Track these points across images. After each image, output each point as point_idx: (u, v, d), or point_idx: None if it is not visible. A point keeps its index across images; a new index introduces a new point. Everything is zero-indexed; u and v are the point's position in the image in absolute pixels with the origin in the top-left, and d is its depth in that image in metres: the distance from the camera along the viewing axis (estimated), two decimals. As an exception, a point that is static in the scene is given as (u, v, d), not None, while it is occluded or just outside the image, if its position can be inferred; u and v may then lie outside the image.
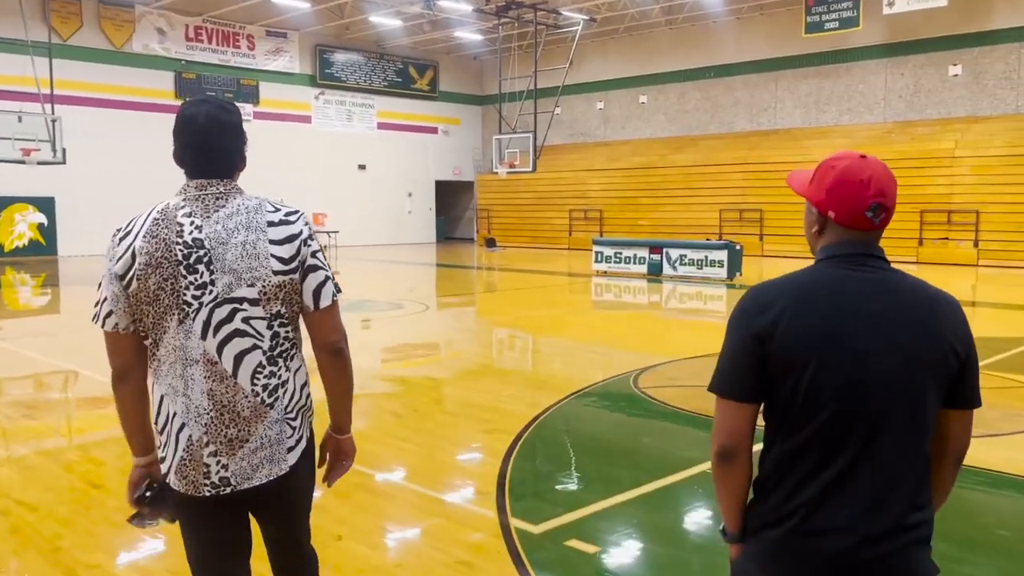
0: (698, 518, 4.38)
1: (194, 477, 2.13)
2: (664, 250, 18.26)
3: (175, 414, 2.14)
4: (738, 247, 17.77)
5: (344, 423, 2.34)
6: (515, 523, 4.18)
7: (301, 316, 2.21)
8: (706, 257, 17.51)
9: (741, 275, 17.59)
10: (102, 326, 2.15)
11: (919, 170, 21.07)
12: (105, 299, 2.14)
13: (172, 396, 2.13)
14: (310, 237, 2.18)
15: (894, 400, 1.66)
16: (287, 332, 2.17)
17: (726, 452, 1.75)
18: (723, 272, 17.21)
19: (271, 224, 2.13)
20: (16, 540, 3.98)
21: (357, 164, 30.29)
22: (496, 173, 26.10)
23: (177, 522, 2.26)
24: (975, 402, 1.75)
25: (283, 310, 2.14)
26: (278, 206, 2.19)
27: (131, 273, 2.08)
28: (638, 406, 6.83)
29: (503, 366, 8.73)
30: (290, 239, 2.14)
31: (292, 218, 2.18)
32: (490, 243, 29.78)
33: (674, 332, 11.28)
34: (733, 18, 26.39)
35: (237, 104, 26.56)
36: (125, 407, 2.20)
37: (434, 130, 32.75)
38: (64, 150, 20.53)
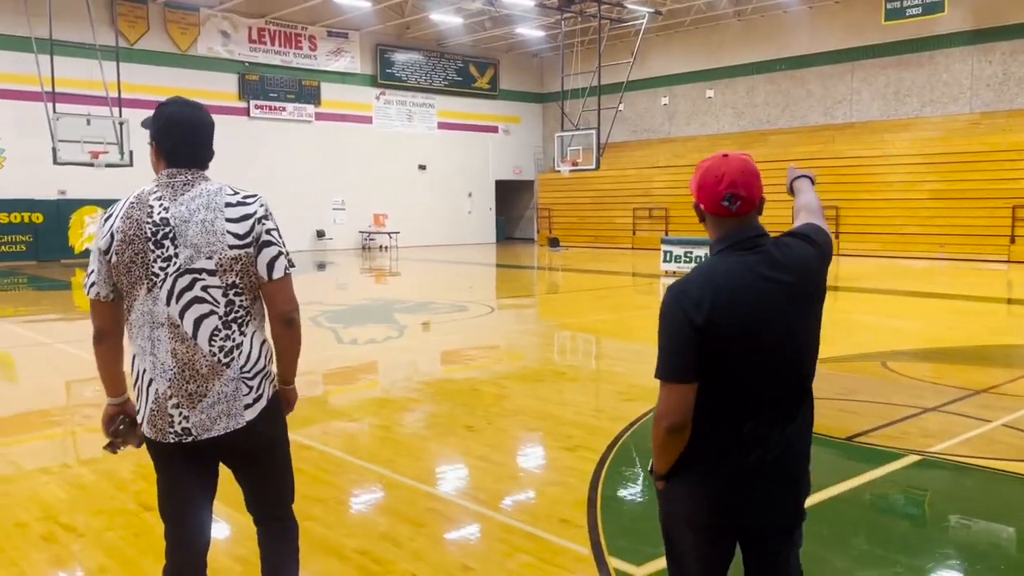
0: (826, 553, 3.76)
1: (161, 426, 2.45)
2: (737, 249, 17.45)
3: (144, 370, 2.46)
4: (817, 246, 16.86)
5: (290, 377, 2.64)
6: (614, 563, 3.63)
7: (260, 288, 2.49)
8: (783, 256, 16.66)
9: (820, 275, 16.70)
10: (87, 293, 2.49)
11: (1011, 163, 19.84)
12: (92, 270, 2.48)
13: (142, 355, 2.46)
14: (265, 217, 2.48)
15: (803, 342, 2.14)
16: (242, 301, 2.46)
17: (676, 427, 2.08)
18: (801, 272, 16.34)
19: (228, 205, 2.44)
20: (57, 575, 3.58)
21: (417, 164, 30.03)
22: (558, 171, 25.53)
23: (138, 447, 2.64)
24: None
25: (238, 280, 2.43)
26: (237, 190, 2.50)
27: (111, 249, 2.42)
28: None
29: (580, 374, 8.17)
30: (245, 218, 2.44)
31: (249, 200, 2.48)
32: (553, 243, 29.21)
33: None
34: (806, 7, 25.34)
35: (299, 105, 26.69)
36: (102, 361, 2.57)
37: (494, 129, 32.33)
38: (131, 152, 20.66)
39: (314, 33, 27.37)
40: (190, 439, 2.43)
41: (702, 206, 2.17)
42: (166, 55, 24.35)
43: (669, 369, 2.08)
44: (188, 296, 2.38)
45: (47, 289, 16.77)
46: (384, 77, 29.13)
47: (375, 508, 4.40)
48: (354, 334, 10.30)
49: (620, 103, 26.00)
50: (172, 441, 2.44)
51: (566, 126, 25.54)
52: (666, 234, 24.80)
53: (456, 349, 9.52)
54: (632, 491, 4.72)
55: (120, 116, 20.68)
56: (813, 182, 2.72)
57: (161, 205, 2.42)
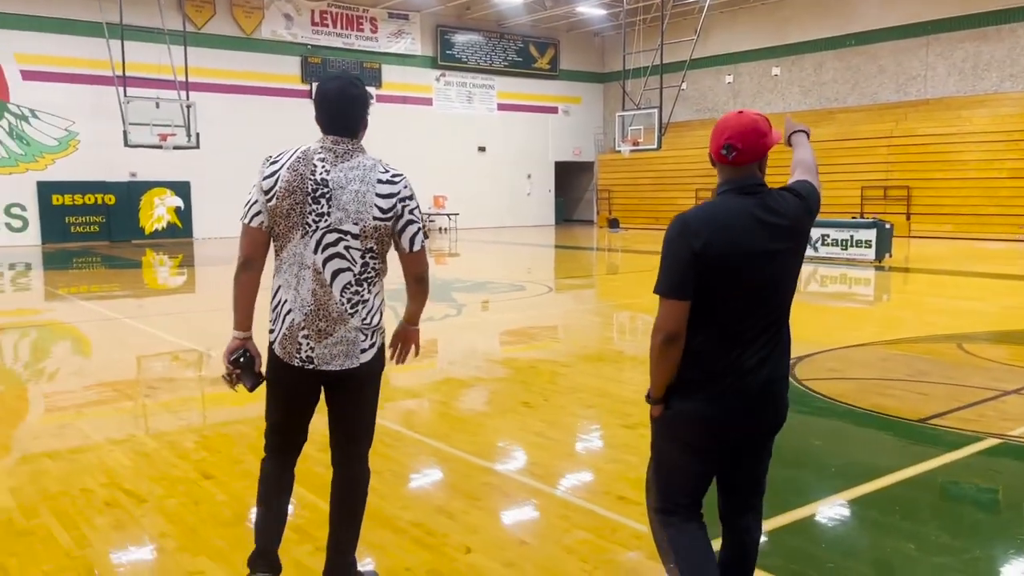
0: (894, 539, 3.59)
1: (290, 350, 2.81)
2: (803, 230, 16.99)
3: (286, 301, 2.82)
4: (888, 226, 16.31)
5: (416, 318, 3.08)
6: None
7: (397, 254, 2.88)
8: (851, 237, 16.17)
9: (891, 256, 16.15)
10: (248, 222, 2.82)
11: (1099, 140, 18.84)
12: (255, 202, 2.82)
13: (286, 288, 2.82)
14: (409, 197, 2.84)
15: (785, 281, 2.45)
16: (375, 264, 2.83)
17: (671, 337, 2.42)
18: (871, 253, 15.84)
19: (380, 181, 2.79)
20: (118, 538, 3.63)
21: (477, 146, 30.00)
22: (619, 151, 25.21)
23: (251, 391, 2.93)
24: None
25: (374, 246, 2.80)
26: (388, 168, 2.84)
27: (273, 192, 2.77)
28: (800, 402, 5.99)
29: (638, 353, 8.01)
30: (391, 195, 2.79)
31: (396, 179, 2.83)
32: (613, 224, 28.92)
33: (820, 318, 10.25)
34: (878, -20, 24.42)
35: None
36: (242, 289, 2.86)
37: (554, 110, 32.07)
38: (198, 135, 21.10)
39: (375, 15, 27.47)
40: (311, 367, 2.80)
41: (712, 154, 2.51)
42: (231, 39, 24.72)
43: (667, 285, 2.42)
44: (332, 251, 2.75)
45: (119, 268, 17.24)
46: (444, 58, 29.10)
47: (431, 481, 4.37)
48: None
49: (683, 82, 25.49)
50: (296, 365, 2.80)
51: (627, 105, 25.18)
52: (729, 215, 24.31)
53: (513, 328, 9.46)
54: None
55: (187, 99, 21.10)
56: (808, 135, 2.95)
57: (323, 167, 2.75)
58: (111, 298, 12.46)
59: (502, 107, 30.62)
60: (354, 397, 2.93)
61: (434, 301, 11.46)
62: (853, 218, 18.60)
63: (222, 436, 5.17)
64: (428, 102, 28.93)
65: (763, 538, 3.52)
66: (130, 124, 20.25)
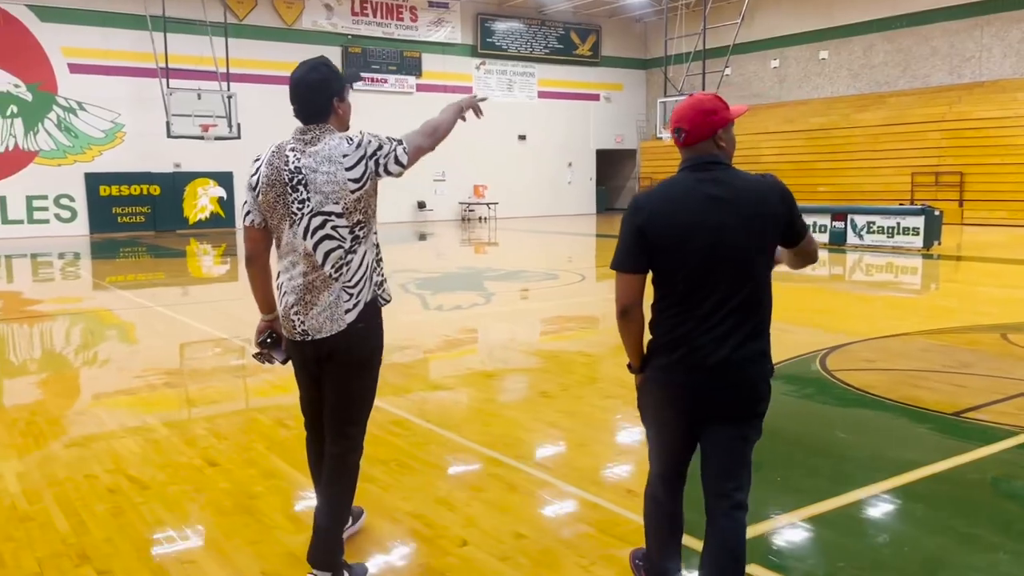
0: (921, 533, 3.39)
1: (288, 327, 3.00)
2: (848, 217, 16.53)
3: (282, 284, 2.99)
4: (937, 212, 15.77)
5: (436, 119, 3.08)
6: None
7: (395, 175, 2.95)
8: (898, 224, 15.67)
9: (940, 244, 15.63)
10: (245, 222, 3.00)
11: None
12: (246, 202, 2.99)
13: (284, 273, 2.98)
14: (377, 148, 2.89)
15: (746, 252, 2.47)
16: (363, 231, 2.92)
17: (624, 309, 2.57)
18: (918, 241, 15.34)
19: (345, 155, 2.84)
20: (113, 526, 3.59)
21: (517, 134, 29.82)
22: (660, 138, 24.84)
23: (284, 364, 3.15)
24: (806, 228, 2.62)
25: (361, 217, 2.89)
26: (352, 138, 2.88)
27: (257, 188, 2.93)
28: (829, 393, 5.77)
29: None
30: (359, 161, 2.85)
31: (357, 143, 2.87)
32: (654, 213, 28.50)
33: (862, 308, 9.92)
34: (930, -42, 23.61)
35: (400, 76, 26.86)
36: (252, 281, 3.08)
37: (596, 97, 31.72)
38: (239, 125, 21.31)
39: (415, 4, 27.42)
40: (308, 339, 2.94)
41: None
42: (272, 30, 24.90)
43: (617, 260, 2.57)
44: (320, 233, 2.85)
45: (163, 257, 17.50)
46: (484, 47, 28.96)
47: (436, 472, 4.27)
48: (441, 301, 10.25)
49: (726, 67, 24.99)
50: (297, 340, 2.97)
51: (669, 92, 24.79)
52: (773, 203, 23.80)
53: (540, 317, 9.33)
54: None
55: (228, 90, 21.32)
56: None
57: (295, 156, 2.87)
58: (149, 287, 12.63)
59: (543, 95, 30.38)
60: (343, 372, 2.98)
61: (465, 290, 11.40)
62: (900, 204, 18.02)
63: (234, 424, 5.14)
64: (468, 90, 28.76)
65: (773, 532, 3.39)
66: (173, 115, 20.54)
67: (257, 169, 2.95)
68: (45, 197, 22.29)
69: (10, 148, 21.75)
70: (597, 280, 12.88)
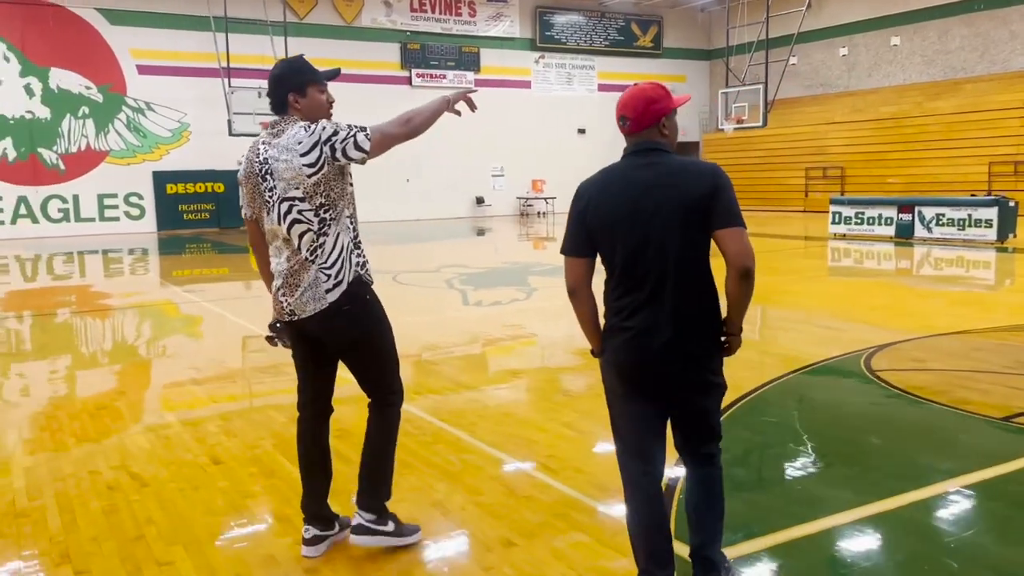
0: (933, 553, 3.10)
1: (279, 309, 3.16)
2: (916, 209, 15.81)
3: (273, 269, 3.18)
4: (1011, 203, 14.96)
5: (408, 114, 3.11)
6: (677, 549, 3.16)
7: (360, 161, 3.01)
8: (970, 216, 14.92)
9: (1015, 236, 14.82)
10: (243, 216, 3.22)
11: None
12: (240, 196, 3.22)
13: (273, 259, 3.18)
14: (333, 133, 2.97)
15: (670, 237, 2.54)
16: (329, 214, 3.04)
17: (571, 290, 2.73)
18: (991, 233, 14.58)
19: (300, 143, 2.99)
20: (103, 524, 3.56)
21: (577, 128, 29.54)
22: (722, 130, 24.24)
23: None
24: (731, 222, 2.54)
25: (324, 200, 3.02)
26: (311, 127, 3.00)
27: (240, 181, 3.16)
28: (867, 394, 5.43)
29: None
30: (312, 147, 2.97)
31: (311, 130, 2.99)
32: (715, 206, 27.88)
33: (925, 303, 9.42)
34: (1010, -64, 22.44)
35: (459, 72, 26.85)
36: (260, 268, 3.34)
37: (658, 89, 31.14)
38: (298, 123, 21.59)
39: (473, -1, 27.41)
40: (296, 318, 3.10)
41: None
42: (332, 28, 25.17)
43: (563, 245, 2.72)
44: (289, 218, 3.03)
45: (225, 253, 17.85)
46: (543, 40, 28.76)
47: (438, 473, 4.13)
48: (481, 296, 10.13)
49: (791, 55, 24.25)
50: (287, 320, 3.14)
51: (731, 82, 24.19)
52: (841, 194, 23.01)
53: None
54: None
55: (288, 88, 21.59)
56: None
57: (264, 148, 3.07)
58: (212, 282, 12.85)
59: (603, 88, 30.01)
60: (349, 348, 3.15)
61: (508, 285, 11.26)
62: (973, 195, 17.16)
63: (248, 422, 5.10)
64: (527, 85, 28.68)
65: (778, 548, 3.14)
66: (234, 114, 20.94)
67: (241, 164, 3.17)
68: (115, 195, 23.00)
69: (82, 148, 22.51)
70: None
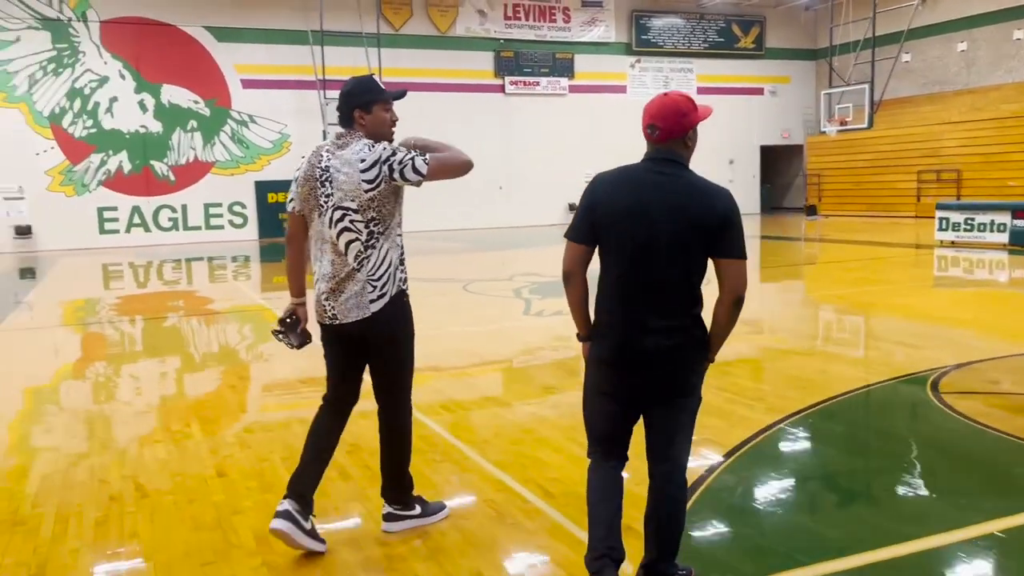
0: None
1: (320, 312, 3.37)
2: (1033, 214, 14.63)
3: (316, 271, 3.38)
4: None
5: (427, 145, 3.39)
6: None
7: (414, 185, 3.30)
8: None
9: None
10: (288, 208, 3.41)
11: None
12: (291, 191, 3.42)
13: (315, 261, 3.38)
14: (392, 154, 3.24)
15: (670, 249, 2.63)
16: (378, 228, 3.28)
17: (566, 275, 2.80)
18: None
19: (362, 160, 3.24)
20: (88, 536, 3.58)
21: (674, 133, 28.86)
22: (824, 132, 23.20)
23: (298, 349, 3.56)
24: (734, 254, 2.66)
25: (375, 215, 3.26)
26: (375, 146, 3.26)
27: (297, 181, 3.38)
28: (923, 419, 4.96)
29: (762, 354, 7.10)
30: (374, 165, 3.23)
31: (373, 151, 3.24)
32: (811, 211, 26.75)
33: (1013, 319, 8.64)
34: None
35: (552, 78, 26.72)
36: (287, 262, 3.51)
37: (760, 91, 30.17)
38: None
39: (568, 5, 27.22)
40: (336, 322, 3.32)
41: (643, 131, 2.75)
42: (426, 38, 25.50)
43: (569, 230, 2.81)
44: (340, 225, 3.26)
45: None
46: (639, 44, 28.29)
47: (431, 494, 3.98)
48: (544, 306, 9.92)
49: (901, 52, 22.99)
50: (327, 323, 3.36)
51: (835, 82, 23.14)
52: (957, 199, 21.61)
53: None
54: (735, 502, 3.85)
55: (381, 99, 22.02)
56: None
57: (327, 156, 3.32)
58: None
59: (702, 91, 29.21)
60: (379, 352, 3.39)
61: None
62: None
63: (267, 434, 5.10)
64: (622, 90, 28.26)
65: None
66: (328, 124, 21.49)
67: (300, 167, 3.38)
68: (220, 205, 23.99)
69: (190, 160, 23.59)
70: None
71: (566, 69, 27.28)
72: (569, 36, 27.39)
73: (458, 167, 3.33)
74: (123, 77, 22.81)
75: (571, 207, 27.48)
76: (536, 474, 4.20)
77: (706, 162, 29.49)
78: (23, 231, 21.88)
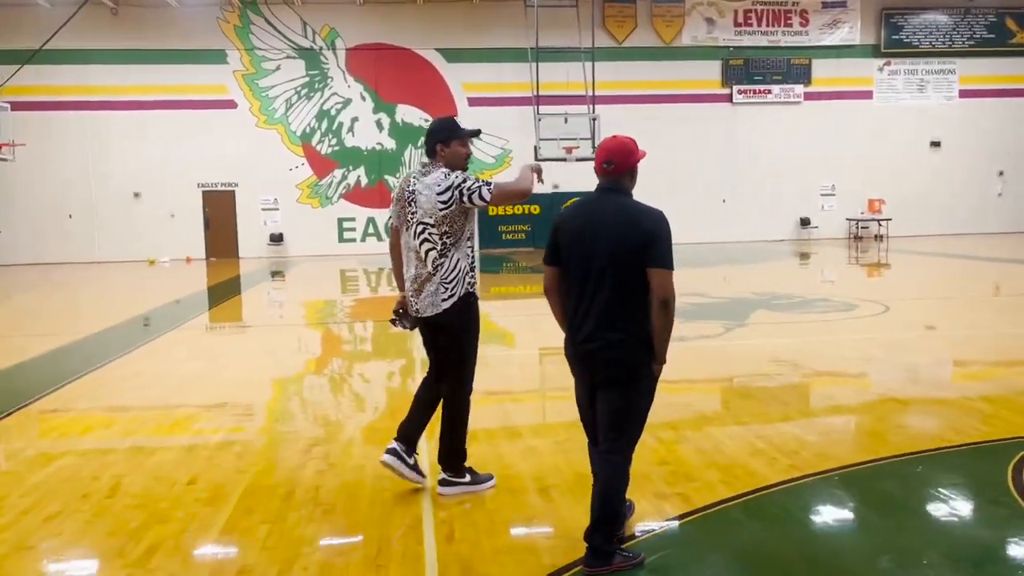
0: None
1: (410, 306, 4.25)
2: None
3: (405, 274, 4.25)
4: None
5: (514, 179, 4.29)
6: None
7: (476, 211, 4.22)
8: None
9: None
10: (388, 224, 4.36)
11: None
12: (391, 208, 4.32)
13: (405, 266, 4.26)
14: (463, 181, 4.08)
15: (611, 263, 3.24)
16: (450, 240, 4.11)
17: (545, 291, 3.54)
18: None
19: (439, 185, 4.09)
20: (53, 548, 3.87)
21: (929, 141, 25.92)
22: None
23: (411, 330, 4.43)
24: (658, 263, 3.19)
25: (447, 229, 4.09)
26: (449, 175, 4.09)
27: (393, 201, 4.29)
28: (989, 522, 3.94)
29: (793, 397, 6.04)
30: (447, 189, 4.07)
31: (448, 180, 4.08)
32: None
33: None
34: None
35: (785, 86, 25.10)
36: (394, 263, 4.39)
37: (1038, 93, 26.19)
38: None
39: (806, 7, 25.44)
40: (419, 315, 4.20)
41: (595, 167, 3.41)
42: (649, 50, 25.05)
43: (545, 255, 3.48)
44: (421, 237, 4.11)
45: (537, 273, 18.61)
46: (889, 44, 25.72)
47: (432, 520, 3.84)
48: (688, 330, 9.02)
49: None
50: (413, 315, 4.25)
51: None
52: None
53: (758, 354, 7.75)
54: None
55: (593, 112, 22.00)
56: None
57: (414, 182, 4.19)
58: (521, 298, 13.49)
59: (964, 94, 25.98)
60: (442, 341, 4.20)
61: (723, 319, 10.12)
62: None
63: (286, 444, 5.23)
64: (867, 95, 25.85)
65: None
66: (540, 139, 21.83)
67: (395, 189, 4.14)
68: (445, 217, 25.25)
69: (420, 175, 25.10)
70: (899, 311, 10.46)
71: (802, 75, 25.53)
72: (806, 40, 25.60)
73: (516, 195, 4.13)
74: (363, 99, 24.83)
75: (803, 222, 25.66)
76: (548, 503, 3.91)
77: (966, 173, 26.26)
78: (276, 238, 24.56)
